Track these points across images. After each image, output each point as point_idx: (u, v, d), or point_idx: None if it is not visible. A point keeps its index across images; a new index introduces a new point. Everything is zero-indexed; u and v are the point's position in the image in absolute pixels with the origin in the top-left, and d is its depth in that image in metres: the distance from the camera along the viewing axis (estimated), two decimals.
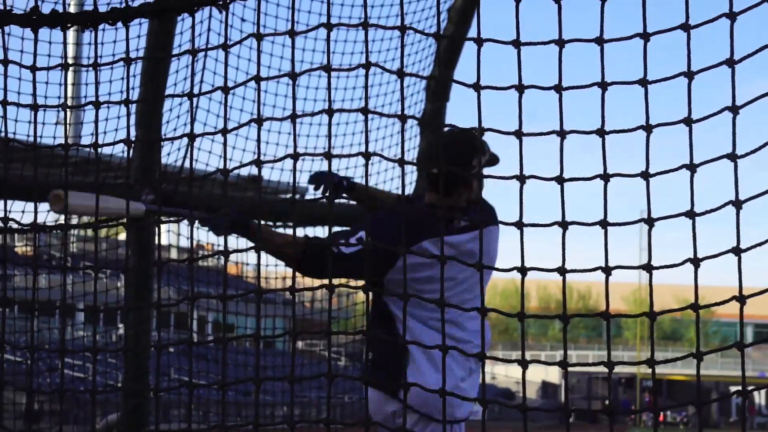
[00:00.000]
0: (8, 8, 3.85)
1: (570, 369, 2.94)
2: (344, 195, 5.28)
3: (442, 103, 9.62)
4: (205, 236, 10.08)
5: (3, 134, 4.21)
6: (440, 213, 4.36)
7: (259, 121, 3.65)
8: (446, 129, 5.00)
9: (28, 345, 4.25)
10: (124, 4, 3.86)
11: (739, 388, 3.34)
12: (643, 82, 3.43)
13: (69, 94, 9.64)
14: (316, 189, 5.21)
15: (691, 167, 3.35)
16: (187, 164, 8.66)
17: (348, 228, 4.68)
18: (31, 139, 4.30)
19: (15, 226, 4.27)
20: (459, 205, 4.71)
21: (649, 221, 3.40)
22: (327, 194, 5.03)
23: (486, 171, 3.48)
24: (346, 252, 4.51)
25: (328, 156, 3.61)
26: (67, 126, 4.58)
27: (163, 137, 8.89)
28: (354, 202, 5.44)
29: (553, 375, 71.15)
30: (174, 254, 13.87)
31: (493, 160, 4.87)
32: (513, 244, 3.57)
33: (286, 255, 4.66)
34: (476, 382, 4.72)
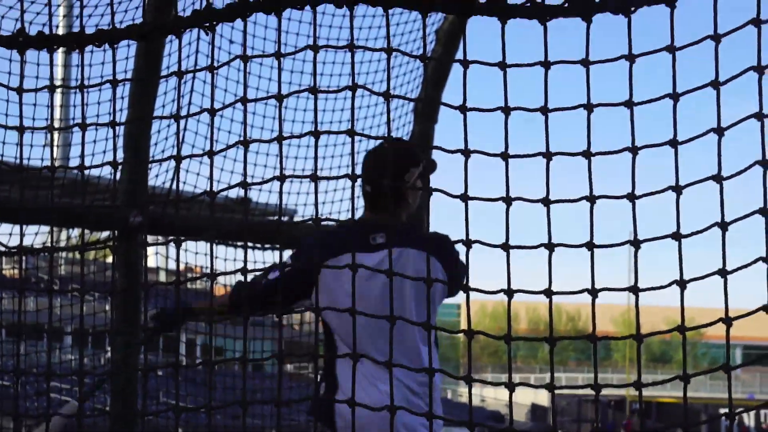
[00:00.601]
0: None
1: (559, 392, 2.93)
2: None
3: (431, 125, 9.63)
4: (193, 258, 10.06)
5: None
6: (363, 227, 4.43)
7: (246, 142, 3.65)
8: (380, 143, 4.92)
9: (15, 368, 4.23)
10: (111, 26, 3.85)
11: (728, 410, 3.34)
12: (629, 104, 3.44)
13: (57, 116, 9.63)
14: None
15: (677, 189, 3.35)
16: (174, 186, 8.66)
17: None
18: (19, 161, 4.29)
19: (1, 248, 4.26)
20: (386, 221, 4.64)
21: (636, 243, 3.41)
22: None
23: (471, 193, 3.47)
24: (264, 282, 4.59)
25: (315, 178, 3.61)
26: (55, 148, 4.58)
27: (151, 159, 8.89)
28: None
29: (543, 397, 71.02)
30: (162, 276, 13.84)
31: (431, 167, 4.83)
32: (500, 266, 3.57)
33: (225, 310, 4.72)
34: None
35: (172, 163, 9.01)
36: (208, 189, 3.77)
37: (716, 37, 3.30)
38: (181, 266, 9.51)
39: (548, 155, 3.47)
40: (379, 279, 4.28)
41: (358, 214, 4.88)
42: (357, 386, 4.07)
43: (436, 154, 4.54)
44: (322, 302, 3.90)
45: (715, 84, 3.30)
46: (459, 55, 4.48)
